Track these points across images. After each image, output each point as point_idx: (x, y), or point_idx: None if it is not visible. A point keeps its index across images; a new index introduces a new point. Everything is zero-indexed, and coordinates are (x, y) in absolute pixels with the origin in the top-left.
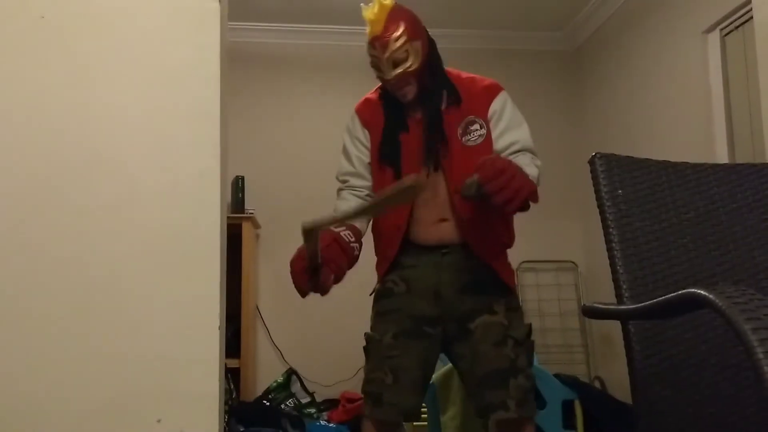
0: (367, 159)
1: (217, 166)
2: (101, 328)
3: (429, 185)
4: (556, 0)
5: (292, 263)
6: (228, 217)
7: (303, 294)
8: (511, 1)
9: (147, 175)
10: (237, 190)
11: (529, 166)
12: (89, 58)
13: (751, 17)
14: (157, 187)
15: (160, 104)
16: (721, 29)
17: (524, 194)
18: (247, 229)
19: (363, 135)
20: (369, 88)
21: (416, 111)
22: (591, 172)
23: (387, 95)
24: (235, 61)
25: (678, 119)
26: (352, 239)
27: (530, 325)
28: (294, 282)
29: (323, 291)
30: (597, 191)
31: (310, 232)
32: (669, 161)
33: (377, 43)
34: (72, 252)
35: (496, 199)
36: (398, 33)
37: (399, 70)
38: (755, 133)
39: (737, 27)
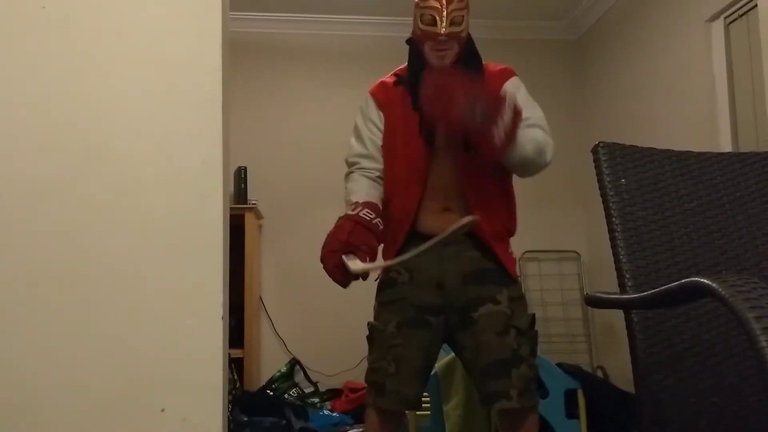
0: (379, 141)
1: (219, 156)
2: (104, 318)
3: (435, 168)
4: None
5: (324, 259)
6: (231, 208)
7: (344, 285)
8: None
9: (149, 166)
10: (240, 180)
11: (533, 127)
12: (90, 48)
13: (756, 5)
14: (159, 177)
15: (162, 94)
16: (725, 17)
17: (457, 116)
18: (249, 219)
19: (377, 116)
20: (372, 78)
21: None
22: (594, 161)
23: (405, 80)
24: (237, 52)
25: (681, 108)
26: (373, 215)
27: (534, 314)
28: (332, 277)
29: (364, 276)
30: (600, 180)
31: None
32: (672, 150)
33: None
34: (73, 242)
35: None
36: None
37: (453, 29)
38: (759, 122)
39: (741, 15)
